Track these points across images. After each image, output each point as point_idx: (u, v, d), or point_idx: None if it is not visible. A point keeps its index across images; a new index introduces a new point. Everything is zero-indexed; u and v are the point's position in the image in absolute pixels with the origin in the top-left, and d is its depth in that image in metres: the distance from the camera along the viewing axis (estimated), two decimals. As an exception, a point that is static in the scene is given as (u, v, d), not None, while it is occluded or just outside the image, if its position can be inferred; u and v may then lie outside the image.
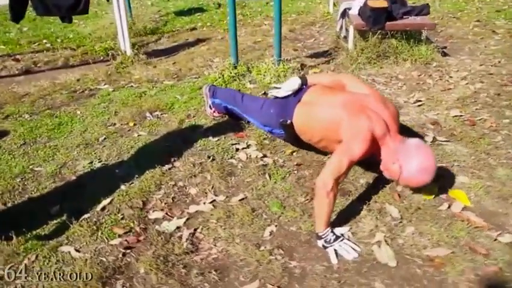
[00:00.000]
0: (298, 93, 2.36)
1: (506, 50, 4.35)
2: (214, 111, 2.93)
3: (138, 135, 2.79)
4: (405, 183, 2.02)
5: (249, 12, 6.36)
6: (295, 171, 2.37)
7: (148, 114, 3.09)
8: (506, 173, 2.28)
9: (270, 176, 2.32)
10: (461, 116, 2.93)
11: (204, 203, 2.15)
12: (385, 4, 3.75)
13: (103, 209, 2.10)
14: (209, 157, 2.51)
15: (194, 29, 5.58)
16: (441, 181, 2.18)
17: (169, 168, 2.42)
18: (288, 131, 2.31)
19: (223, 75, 3.60)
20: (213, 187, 2.26)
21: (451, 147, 2.54)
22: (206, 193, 2.22)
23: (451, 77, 3.67)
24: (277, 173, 2.35)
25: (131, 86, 3.64)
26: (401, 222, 1.96)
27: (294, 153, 2.54)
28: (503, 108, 3.04)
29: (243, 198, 2.16)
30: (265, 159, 2.49)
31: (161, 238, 1.91)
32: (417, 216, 1.99)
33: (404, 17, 3.97)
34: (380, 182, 2.21)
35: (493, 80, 3.56)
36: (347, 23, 4.53)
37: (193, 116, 3.04)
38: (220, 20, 5.93)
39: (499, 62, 3.99)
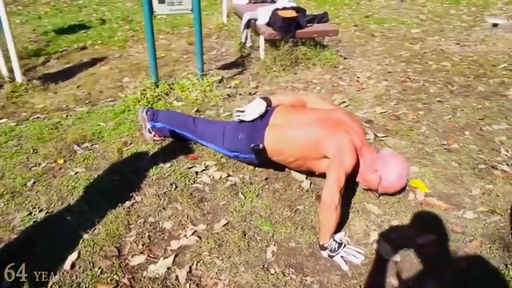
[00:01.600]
0: (264, 115, 2.26)
1: (389, 50, 4.94)
2: (154, 135, 2.71)
3: (75, 173, 2.43)
4: (384, 191, 2.11)
5: (138, 27, 6.05)
6: (267, 186, 2.33)
7: (76, 147, 2.71)
8: (443, 158, 2.59)
9: (244, 195, 2.24)
10: (385, 112, 3.23)
11: (186, 236, 1.97)
12: (294, 14, 3.94)
13: (73, 266, 1.78)
14: (171, 185, 2.31)
15: (84, 48, 5.08)
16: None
17: (132, 205, 2.16)
18: (261, 155, 2.23)
19: (145, 96, 3.36)
20: (188, 217, 2.09)
21: (391, 141, 2.78)
22: (183, 225, 2.04)
23: (358, 77, 4.01)
24: (249, 190, 2.28)
25: (38, 118, 3.16)
26: (384, 217, 2.07)
27: (257, 168, 2.49)
28: (413, 101, 3.45)
29: (226, 223, 2.04)
30: (230, 178, 2.39)
31: (158, 285, 1.69)
32: (395, 209, 2.13)
33: (308, 25, 4.22)
34: (351, 185, 2.30)
35: (393, 77, 4.01)
36: (251, 32, 4.63)
37: (131, 143, 2.77)
38: (110, 36, 5.52)
39: (390, 61, 4.51)
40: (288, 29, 3.94)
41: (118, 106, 3.33)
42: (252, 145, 2.20)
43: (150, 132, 2.70)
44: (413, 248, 1.88)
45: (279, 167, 2.43)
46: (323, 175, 2.08)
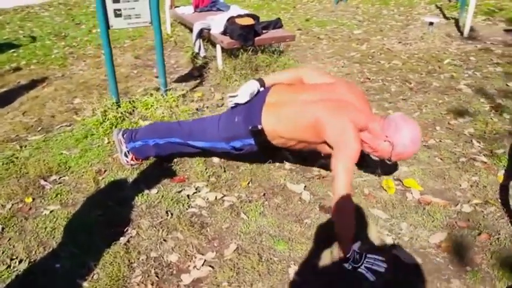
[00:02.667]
0: (259, 96, 2.14)
1: (339, 52, 5.06)
2: (131, 159, 2.49)
3: (50, 212, 2.15)
4: (398, 158, 1.94)
5: (75, 42, 5.64)
6: (267, 202, 2.23)
7: (42, 181, 2.42)
8: (426, 156, 2.66)
9: (246, 215, 2.12)
10: (357, 114, 3.27)
11: (197, 267, 1.82)
12: (252, 21, 3.88)
13: (79, 321, 1.55)
14: (166, 213, 2.13)
15: (18, 68, 4.61)
16: (391, 175, 2.39)
17: (128, 240, 1.95)
18: (260, 138, 2.09)
19: (107, 117, 3.10)
20: (193, 246, 1.93)
21: (373, 142, 2.81)
22: (190, 255, 1.88)
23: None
24: (251, 209, 2.17)
25: (-14, 153, 2.78)
26: (393, 221, 2.06)
27: (250, 184, 2.38)
28: (379, 101, 3.54)
29: (236, 248, 1.91)
30: (227, 198, 2.26)
31: (183, 328, 1.53)
32: (399, 211, 2.14)
33: (264, 31, 4.18)
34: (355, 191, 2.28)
35: (352, 78, 4.10)
36: (204, 42, 4.50)
37: (105, 171, 2.52)
38: (46, 55, 5.07)
39: (344, 63, 4.61)
40: (247, 36, 3.86)
41: (77, 131, 3.04)
42: (250, 127, 2.07)
43: (126, 156, 2.48)
44: (429, 249, 1.88)
45: (271, 178, 2.34)
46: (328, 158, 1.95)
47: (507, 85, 3.83)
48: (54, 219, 2.09)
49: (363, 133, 1.93)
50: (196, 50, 4.61)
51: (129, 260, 1.83)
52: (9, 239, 1.97)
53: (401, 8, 7.75)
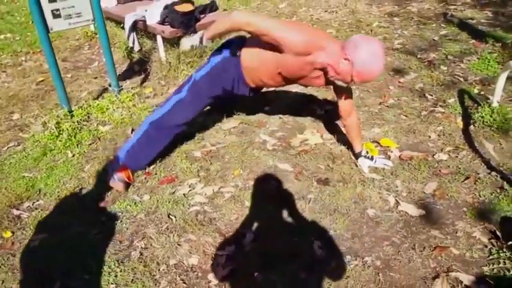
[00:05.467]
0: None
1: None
2: (122, 174, 2.25)
3: (39, 242, 1.97)
4: (360, 78, 1.89)
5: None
6: (264, 186, 2.24)
7: (16, 211, 2.19)
8: (391, 115, 2.84)
9: (251, 203, 2.12)
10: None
11: (221, 264, 1.79)
12: (191, 7, 3.76)
13: None
14: (168, 217, 2.06)
15: None
16: (367, 138, 2.54)
17: (141, 253, 1.86)
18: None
19: (62, 129, 2.85)
20: (209, 244, 1.90)
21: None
22: (209, 254, 1.85)
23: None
24: (252, 197, 2.17)
25: None
26: (388, 180, 2.20)
27: (241, 172, 2.37)
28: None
29: (253, 237, 1.91)
30: (224, 189, 2.23)
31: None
32: (389, 170, 2.28)
33: (202, 16, 4.08)
34: (340, 162, 2.38)
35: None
36: (137, 35, 4.27)
37: (83, 187, 2.34)
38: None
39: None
40: (189, 23, 3.74)
41: (31, 149, 2.76)
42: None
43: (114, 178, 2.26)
44: (427, 199, 2.04)
45: (260, 160, 2.36)
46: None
47: (434, 39, 4.17)
48: (47, 249, 1.91)
49: (321, 52, 1.92)
50: (131, 44, 4.36)
51: (150, 273, 1.75)
52: (3, 281, 1.77)
53: (314, -23, 7.95)
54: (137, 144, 2.29)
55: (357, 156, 2.33)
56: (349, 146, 2.44)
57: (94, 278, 1.73)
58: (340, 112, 2.29)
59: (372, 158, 2.30)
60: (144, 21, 4.03)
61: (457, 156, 2.36)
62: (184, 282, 1.71)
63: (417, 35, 4.30)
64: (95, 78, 4.07)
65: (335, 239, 1.86)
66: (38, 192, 2.33)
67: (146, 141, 2.29)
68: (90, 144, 2.76)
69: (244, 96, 2.38)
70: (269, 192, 2.19)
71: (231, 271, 1.74)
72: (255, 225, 1.97)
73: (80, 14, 2.78)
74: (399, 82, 3.31)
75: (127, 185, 2.25)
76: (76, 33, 5.41)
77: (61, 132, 2.82)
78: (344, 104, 2.24)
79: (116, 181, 2.20)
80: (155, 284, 1.70)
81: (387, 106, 2.95)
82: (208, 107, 2.52)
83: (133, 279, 1.71)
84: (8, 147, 2.85)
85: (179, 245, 1.89)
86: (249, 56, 2.14)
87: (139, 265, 1.78)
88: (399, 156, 2.40)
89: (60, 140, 2.76)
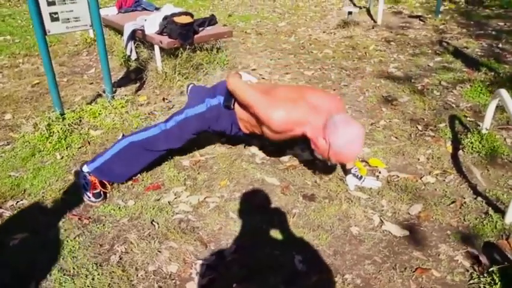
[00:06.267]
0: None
1: (271, 45, 5.18)
2: (93, 186, 2.19)
3: (20, 241, 1.94)
4: (336, 159, 1.95)
5: (-18, 52, 5.05)
6: (250, 198, 2.24)
7: (-2, 210, 2.16)
8: (382, 136, 2.86)
9: (235, 214, 2.11)
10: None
11: (200, 274, 1.77)
12: (190, 19, 3.80)
13: None
14: (152, 223, 2.04)
15: None
16: (357, 156, 2.55)
17: (120, 258, 1.83)
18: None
19: (52, 130, 2.85)
20: (190, 253, 1.88)
21: (332, 129, 2.95)
22: (189, 263, 1.83)
23: (261, 74, 4.11)
24: (237, 208, 2.16)
25: None
26: (373, 199, 2.20)
27: (228, 183, 2.37)
28: (324, 89, 3.69)
29: (235, 248, 1.90)
30: (209, 200, 2.23)
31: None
32: (375, 190, 2.28)
33: (200, 29, 4.13)
34: (327, 179, 2.38)
35: (292, 70, 4.22)
36: (135, 44, 4.31)
37: (68, 189, 2.33)
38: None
39: (279, 55, 4.73)
40: (187, 35, 3.78)
41: (20, 149, 2.75)
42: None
43: (85, 188, 2.20)
44: (413, 220, 2.04)
45: (247, 173, 2.36)
46: None
47: (428, 65, 4.23)
48: (28, 249, 1.88)
49: (303, 127, 1.99)
50: (128, 53, 4.39)
51: (128, 278, 1.72)
52: (-18, 278, 1.74)
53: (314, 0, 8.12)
54: (112, 160, 2.21)
55: (346, 172, 2.34)
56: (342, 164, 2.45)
57: (71, 280, 1.70)
58: None
59: (360, 178, 2.30)
60: (143, 30, 4.07)
61: (444, 180, 2.37)
62: (161, 290, 1.69)
63: (413, 61, 4.37)
64: (91, 83, 4.08)
65: (317, 255, 1.84)
66: (22, 192, 2.31)
67: (124, 158, 2.23)
68: (80, 148, 2.76)
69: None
70: (254, 205, 2.18)
71: (210, 281, 1.72)
72: (238, 236, 1.96)
73: (78, 19, 2.81)
74: (392, 105, 3.34)
75: (105, 195, 2.22)
76: (75, 39, 5.46)
77: (52, 134, 2.82)
78: None
79: (92, 199, 2.18)
80: (132, 290, 1.67)
81: (378, 127, 2.97)
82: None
83: (110, 284, 1.69)
84: (-5, 146, 2.83)
85: (159, 251, 1.87)
86: (241, 111, 2.19)
87: (117, 269, 1.75)
88: (387, 177, 2.40)
89: (50, 142, 2.75)
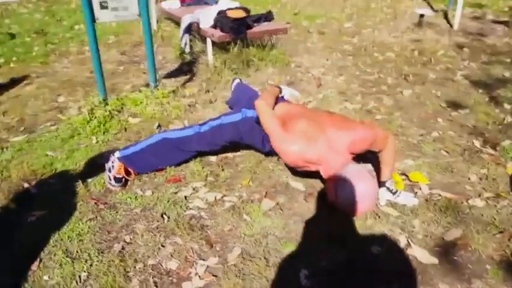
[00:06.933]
0: None
1: (331, 45, 4.95)
2: (117, 171, 2.19)
3: (36, 219, 1.98)
4: (340, 208, 1.83)
5: (57, 39, 5.41)
6: (268, 202, 2.10)
7: (27, 185, 2.24)
8: (431, 148, 2.57)
9: (249, 216, 1.99)
10: (356, 107, 3.16)
11: (199, 275, 1.67)
12: (243, 14, 3.75)
13: None
14: (162, 216, 1.98)
15: (-3, 67, 4.39)
16: (396, 168, 2.29)
17: (123, 247, 1.80)
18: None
19: (94, 115, 2.92)
20: (193, 251, 1.79)
21: (375, 136, 2.70)
22: (190, 262, 1.74)
23: (313, 74, 3.93)
24: (253, 210, 2.03)
25: (-37, 156, 2.59)
26: (404, 218, 1.96)
27: (251, 183, 2.25)
28: (377, 94, 3.44)
29: (241, 252, 1.78)
30: (226, 198, 2.12)
31: None
32: (410, 208, 2.03)
33: (255, 24, 4.04)
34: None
35: (347, 71, 3.99)
36: (190, 37, 4.34)
37: (95, 173, 2.36)
38: (26, 52, 4.85)
39: (337, 56, 4.51)
40: (239, 29, 3.72)
41: (62, 130, 2.86)
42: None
43: (110, 171, 2.20)
44: (447, 247, 1.78)
45: (272, 175, 2.22)
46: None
47: (503, 75, 3.78)
48: (42, 227, 1.92)
49: (319, 166, 1.88)
50: (182, 45, 4.44)
51: (125, 269, 1.68)
52: None
53: (388, 1, 7.70)
54: (144, 152, 2.21)
55: (380, 185, 2.11)
56: (377, 172, 2.22)
57: (71, 263, 1.70)
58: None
59: (395, 192, 2.07)
60: (198, 23, 4.09)
61: (495, 205, 2.05)
62: (156, 285, 1.62)
63: (485, 69, 3.93)
64: (144, 73, 4.18)
65: (326, 271, 1.67)
66: (53, 171, 2.38)
67: (155, 153, 2.23)
68: (116, 134, 2.80)
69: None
70: (271, 209, 2.04)
71: (206, 284, 1.62)
72: (245, 240, 1.84)
73: (126, 8, 2.85)
74: (450, 115, 3.01)
75: (126, 182, 2.21)
76: (140, 30, 5.65)
77: (92, 118, 2.89)
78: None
79: (112, 182, 2.18)
80: (126, 281, 1.63)
81: (429, 138, 2.68)
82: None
83: (105, 272, 1.66)
84: (44, 126, 2.98)
85: (163, 246, 1.81)
86: None
87: (116, 258, 1.72)
88: (427, 195, 2.13)
89: (89, 126, 2.83)
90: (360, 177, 1.74)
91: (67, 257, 1.73)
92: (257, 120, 2.09)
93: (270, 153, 2.27)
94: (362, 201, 1.74)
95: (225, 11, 3.79)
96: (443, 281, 1.62)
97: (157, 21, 5.69)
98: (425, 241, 1.82)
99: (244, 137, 2.21)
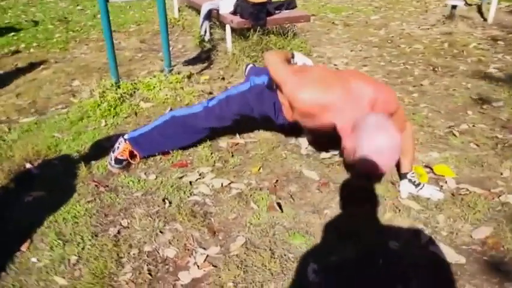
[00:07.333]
0: None
1: (356, 36, 4.74)
2: (120, 153, 2.10)
3: (33, 199, 1.90)
4: (358, 166, 1.54)
5: (78, 27, 5.40)
6: (277, 190, 1.95)
7: (28, 165, 2.16)
8: (459, 141, 2.36)
9: (256, 205, 1.84)
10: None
11: (197, 265, 1.54)
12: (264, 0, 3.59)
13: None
14: (163, 201, 1.86)
15: (17, 51, 4.39)
16: (420, 161, 2.10)
17: (118, 232, 1.69)
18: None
19: (105, 98, 2.84)
20: (193, 239, 1.66)
21: (399, 127, 2.50)
22: (189, 250, 1.61)
23: (335, 64, 3.75)
24: (262, 198, 1.88)
25: (-30, 135, 2.54)
26: (427, 212, 1.77)
27: (261, 170, 2.10)
28: (402, 85, 3.23)
29: (245, 242, 1.63)
30: (234, 185, 1.98)
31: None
32: (434, 202, 1.85)
33: (276, 11, 3.89)
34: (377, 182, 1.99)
35: (372, 62, 3.78)
36: (210, 23, 4.22)
37: (99, 155, 2.26)
38: (47, 38, 4.84)
39: (361, 47, 4.30)
40: (259, 16, 3.58)
41: (73, 113, 2.78)
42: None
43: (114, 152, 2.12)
44: (474, 245, 1.59)
45: (284, 163, 2.07)
46: None
47: (542, 69, 3.49)
48: (38, 207, 1.83)
49: (335, 115, 1.64)
50: (202, 33, 4.32)
51: (118, 254, 1.56)
52: None
53: (419, -5, 7.37)
54: (151, 132, 2.12)
55: (401, 177, 1.93)
56: (397, 165, 2.04)
57: (62, 246, 1.60)
58: None
59: (418, 184, 1.88)
60: (218, 10, 3.96)
61: (531, 203, 1.83)
62: (150, 273, 1.50)
63: (522, 62, 3.65)
64: (162, 60, 4.08)
65: (337, 266, 1.50)
66: (57, 153, 2.30)
67: (162, 133, 2.12)
68: (125, 118, 2.71)
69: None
70: (281, 198, 1.89)
71: (204, 275, 1.48)
72: (251, 229, 1.69)
73: (141, -13, 2.74)
74: (482, 108, 2.77)
75: (128, 165, 2.10)
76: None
77: (103, 101, 2.81)
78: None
79: (111, 163, 2.08)
80: (118, 267, 1.51)
81: (457, 131, 2.46)
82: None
83: (97, 257, 1.55)
84: (55, 109, 2.92)
85: (161, 232, 1.69)
86: (281, 94, 1.92)
87: (109, 242, 1.61)
88: (454, 190, 1.94)
89: (100, 109, 2.74)
90: (385, 127, 1.49)
91: (58, 239, 1.63)
92: (267, 84, 1.96)
93: (284, 126, 2.12)
94: (386, 156, 1.48)
95: (245, -4, 3.64)
96: (471, 282, 1.43)
97: (179, 10, 5.60)
98: (451, 238, 1.63)
99: (254, 107, 2.05)
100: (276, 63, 1.81)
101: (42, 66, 3.90)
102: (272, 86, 1.95)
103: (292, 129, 2.27)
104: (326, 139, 1.97)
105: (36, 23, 5.54)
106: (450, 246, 1.59)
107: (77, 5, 6.71)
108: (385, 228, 1.68)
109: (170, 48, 4.59)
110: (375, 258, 1.52)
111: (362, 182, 1.95)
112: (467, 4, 5.60)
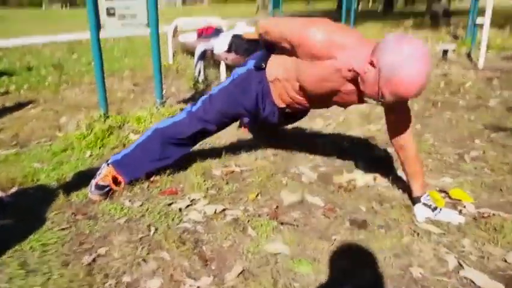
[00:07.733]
0: None
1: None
2: (103, 178, 1.92)
3: (1, 226, 1.66)
4: (390, 90, 1.37)
5: (72, 72, 5.36)
6: (278, 215, 1.73)
7: (0, 193, 1.94)
8: (472, 166, 2.20)
9: (255, 231, 1.62)
10: (381, 129, 2.83)
11: (186, 298, 1.29)
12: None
13: None
14: (148, 227, 1.63)
15: (7, 92, 4.27)
16: (434, 186, 1.92)
17: (94, 260, 1.44)
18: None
19: (92, 130, 2.67)
20: (182, 269, 1.42)
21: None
22: (177, 281, 1.36)
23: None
24: (261, 224, 1.66)
25: None
26: (450, 236, 1.56)
27: (259, 197, 1.89)
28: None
29: (242, 271, 1.39)
30: (229, 212, 1.77)
31: None
32: (455, 225, 1.63)
33: (271, 51, 3.85)
34: (388, 206, 1.79)
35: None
36: (204, 64, 4.19)
37: (81, 184, 2.04)
38: (39, 81, 4.76)
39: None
40: (254, 51, 3.52)
41: (56, 145, 2.60)
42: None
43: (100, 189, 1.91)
44: (510, 270, 1.36)
45: (289, 189, 1.87)
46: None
47: (544, 104, 3.42)
48: (3, 236, 1.59)
49: (346, 54, 1.50)
50: (196, 73, 4.28)
51: (90, 286, 1.31)
52: None
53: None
54: (134, 151, 1.97)
55: (415, 201, 1.74)
56: (409, 189, 1.85)
57: (24, 276, 1.35)
58: (390, 139, 1.77)
59: (435, 209, 1.69)
60: (212, 50, 3.94)
61: None
62: (129, 309, 1.24)
63: (522, 97, 3.59)
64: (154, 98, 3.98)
65: (353, 297, 1.26)
66: (34, 181, 2.09)
67: (146, 149, 1.96)
68: (113, 148, 2.53)
69: (272, 124, 2.00)
70: (283, 224, 1.67)
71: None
72: (249, 258, 1.46)
73: (134, 16, 2.69)
74: (489, 137, 2.65)
75: (108, 192, 1.89)
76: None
77: (90, 133, 2.64)
78: (395, 128, 1.72)
79: (92, 189, 1.88)
80: (89, 302, 1.25)
81: (468, 157, 2.30)
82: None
83: (66, 288, 1.29)
84: (38, 142, 2.73)
85: (144, 261, 1.44)
86: (275, 67, 1.82)
87: (80, 271, 1.36)
88: (475, 214, 1.73)
89: (85, 140, 2.56)
90: (408, 37, 1.35)
91: (21, 269, 1.38)
92: (256, 64, 1.87)
93: (271, 121, 1.98)
94: (420, 61, 1.30)
95: (240, 34, 3.63)
96: (513, 312, 1.19)
97: (173, 55, 5.61)
98: (482, 263, 1.40)
99: (238, 99, 1.90)
100: (276, 20, 1.77)
101: (31, 105, 3.77)
102: (261, 65, 1.86)
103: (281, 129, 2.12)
104: (327, 99, 1.76)
105: (30, 69, 5.50)
106: (483, 271, 1.36)
107: (73, 53, 6.76)
108: (405, 254, 1.45)
109: (164, 91, 4.53)
110: (396, 287, 1.29)
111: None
112: (453, 46, 5.68)
